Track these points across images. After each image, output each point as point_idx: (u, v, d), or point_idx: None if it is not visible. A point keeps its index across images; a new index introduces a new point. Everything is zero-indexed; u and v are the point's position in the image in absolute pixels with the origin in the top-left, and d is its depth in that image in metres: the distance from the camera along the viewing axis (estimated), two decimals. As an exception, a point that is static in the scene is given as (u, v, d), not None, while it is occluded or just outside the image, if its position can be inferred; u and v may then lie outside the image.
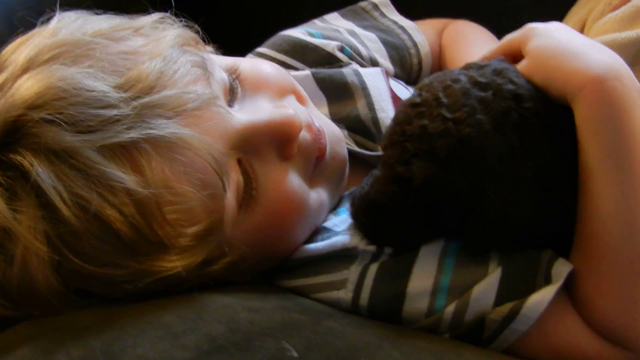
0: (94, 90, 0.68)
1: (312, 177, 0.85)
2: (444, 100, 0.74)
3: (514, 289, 0.74)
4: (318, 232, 0.85)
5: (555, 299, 0.72)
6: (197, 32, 0.86)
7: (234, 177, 0.76)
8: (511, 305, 0.73)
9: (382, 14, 1.20)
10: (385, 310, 0.77)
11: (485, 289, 0.74)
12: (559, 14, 1.25)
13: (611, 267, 0.72)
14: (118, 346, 0.62)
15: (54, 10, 0.79)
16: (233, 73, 0.83)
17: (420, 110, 0.75)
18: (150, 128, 0.69)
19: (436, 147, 0.72)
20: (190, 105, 0.72)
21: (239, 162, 0.78)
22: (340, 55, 1.05)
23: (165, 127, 0.70)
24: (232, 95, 0.82)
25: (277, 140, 0.80)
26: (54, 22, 0.77)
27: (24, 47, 0.73)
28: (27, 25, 0.79)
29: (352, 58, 1.07)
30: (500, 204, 0.72)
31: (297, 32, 1.09)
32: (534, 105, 0.73)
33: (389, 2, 1.21)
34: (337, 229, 0.84)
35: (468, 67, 0.79)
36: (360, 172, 0.90)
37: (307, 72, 1.02)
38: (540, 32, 0.80)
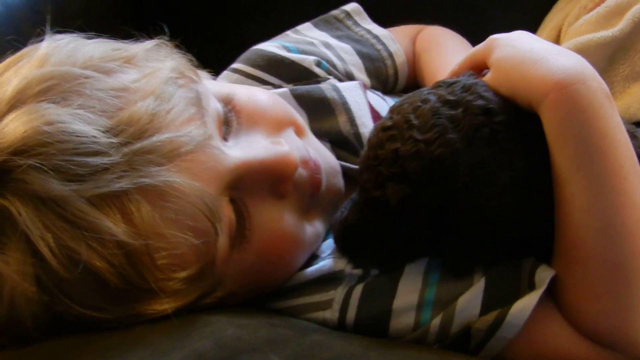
0: (83, 136, 0.66)
1: (307, 210, 0.84)
2: (415, 121, 0.73)
3: (498, 298, 0.74)
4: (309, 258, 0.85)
5: (540, 305, 0.72)
6: (191, 60, 0.83)
7: (226, 218, 0.74)
8: (496, 313, 0.73)
9: (356, 23, 1.19)
10: (372, 327, 0.77)
11: (470, 299, 0.74)
12: (531, 18, 1.26)
13: (592, 272, 0.71)
14: (104, 365, 0.62)
15: (43, 32, 0.76)
16: (228, 104, 0.81)
17: (391, 134, 0.74)
18: (141, 176, 0.67)
19: (409, 170, 0.72)
20: (183, 149, 0.70)
21: (232, 200, 0.76)
22: (317, 70, 1.04)
23: (157, 175, 0.68)
24: (227, 128, 0.80)
25: (272, 179, 0.79)
26: (43, 47, 0.74)
27: (12, 75, 0.70)
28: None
29: (329, 72, 1.06)
30: (477, 215, 0.72)
31: (272, 47, 1.07)
32: (505, 118, 0.72)
33: (362, 10, 1.20)
34: (324, 255, 0.84)
35: (437, 85, 0.78)
36: (347, 186, 0.90)
37: (285, 89, 1.01)
38: (502, 42, 0.80)
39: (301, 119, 0.91)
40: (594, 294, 0.72)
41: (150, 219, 0.67)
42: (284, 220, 0.80)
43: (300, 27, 1.17)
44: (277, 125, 0.84)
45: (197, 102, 0.75)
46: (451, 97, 0.74)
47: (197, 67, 0.85)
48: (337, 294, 0.80)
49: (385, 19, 1.22)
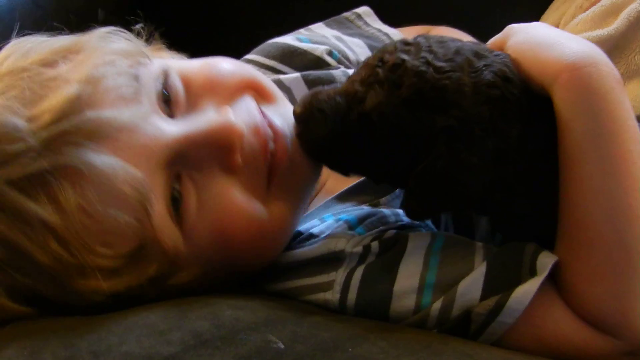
0: (6, 126, 0.64)
1: (270, 189, 0.76)
2: (436, 49, 0.69)
3: (500, 283, 0.70)
4: (305, 238, 0.80)
5: (541, 290, 0.68)
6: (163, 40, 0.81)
7: (168, 195, 0.69)
8: (497, 298, 0.69)
9: (366, 23, 1.17)
10: (373, 309, 0.73)
11: (471, 283, 0.70)
12: (530, 17, 1.23)
13: (597, 254, 0.68)
14: (104, 345, 0.59)
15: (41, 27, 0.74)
16: (175, 79, 0.75)
17: (407, 49, 0.70)
18: (59, 158, 0.64)
19: (404, 83, 0.67)
20: (107, 128, 0.66)
21: (179, 176, 0.71)
22: (328, 59, 1.02)
23: (75, 156, 0.64)
24: (173, 105, 0.74)
25: (217, 151, 0.72)
26: (6, 48, 0.72)
27: None
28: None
29: (340, 62, 1.04)
30: (450, 162, 0.67)
31: (286, 39, 1.06)
32: (518, 93, 0.69)
33: (372, 12, 1.18)
34: (323, 235, 0.79)
35: (473, 42, 0.76)
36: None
37: (297, 74, 0.98)
38: (519, 29, 0.78)
39: (271, 84, 0.83)
40: (598, 276, 0.68)
41: (74, 199, 0.64)
42: (233, 196, 0.73)
43: (312, 26, 1.15)
44: (231, 92, 0.77)
45: (134, 82, 0.70)
46: (481, 52, 0.71)
47: (170, 49, 0.82)
48: (338, 276, 0.75)
49: (393, 22, 1.20)
